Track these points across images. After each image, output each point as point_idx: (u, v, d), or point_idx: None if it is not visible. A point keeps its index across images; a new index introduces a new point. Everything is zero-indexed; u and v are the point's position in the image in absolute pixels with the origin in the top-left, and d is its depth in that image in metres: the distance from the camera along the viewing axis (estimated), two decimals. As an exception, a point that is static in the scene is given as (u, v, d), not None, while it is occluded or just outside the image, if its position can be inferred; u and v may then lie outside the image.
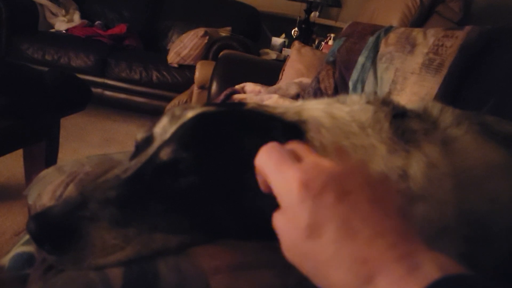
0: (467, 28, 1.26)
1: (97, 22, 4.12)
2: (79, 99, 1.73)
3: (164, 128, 0.52)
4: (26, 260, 0.57)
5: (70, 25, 3.97)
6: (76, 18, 4.11)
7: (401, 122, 0.57)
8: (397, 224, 0.36)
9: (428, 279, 0.31)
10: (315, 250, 0.37)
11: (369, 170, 0.50)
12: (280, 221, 0.40)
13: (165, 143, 0.50)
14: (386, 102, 0.61)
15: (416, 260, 0.33)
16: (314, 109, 0.57)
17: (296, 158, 0.42)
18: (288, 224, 0.39)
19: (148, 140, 0.53)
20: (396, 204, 0.39)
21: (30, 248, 0.59)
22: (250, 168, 0.45)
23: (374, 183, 0.39)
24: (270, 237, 0.43)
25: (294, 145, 0.44)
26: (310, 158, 0.41)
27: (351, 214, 0.36)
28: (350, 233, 0.35)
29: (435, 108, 0.66)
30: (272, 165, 0.41)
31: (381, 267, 0.34)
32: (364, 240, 0.35)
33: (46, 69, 1.69)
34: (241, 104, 0.58)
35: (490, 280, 0.32)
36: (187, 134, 0.50)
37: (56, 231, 0.44)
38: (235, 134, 0.49)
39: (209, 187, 0.47)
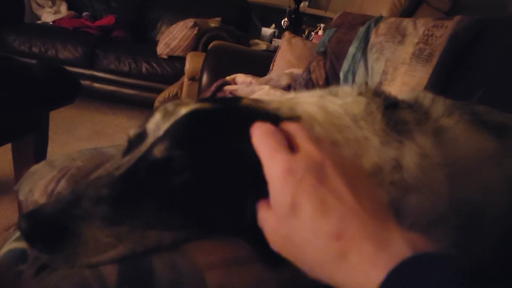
0: (457, 18, 1.27)
1: (84, 14, 4.06)
2: (68, 92, 1.70)
3: (157, 124, 0.52)
4: (19, 256, 0.57)
5: (57, 17, 3.92)
6: (63, 9, 4.05)
7: (393, 113, 0.58)
8: (370, 205, 0.40)
9: (399, 256, 0.34)
10: (295, 229, 0.39)
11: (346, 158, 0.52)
12: (263, 211, 0.44)
13: (159, 140, 0.49)
14: (377, 93, 0.61)
15: (387, 238, 0.36)
16: (308, 103, 0.57)
17: (292, 145, 0.45)
18: (271, 213, 0.42)
19: (141, 136, 0.52)
20: (369, 189, 0.42)
21: (23, 244, 0.59)
22: (244, 166, 0.46)
23: (350, 170, 0.43)
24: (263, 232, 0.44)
25: (291, 127, 0.47)
26: (305, 149, 0.44)
27: (328, 195, 0.39)
28: (326, 210, 0.38)
29: (427, 98, 0.66)
30: (266, 150, 0.44)
31: (353, 244, 0.36)
32: (338, 218, 0.38)
33: (33, 61, 1.66)
34: (236, 100, 0.57)
35: (460, 258, 0.33)
36: (180, 132, 0.49)
37: (48, 230, 0.43)
38: (229, 131, 0.49)
39: (203, 185, 0.47)
